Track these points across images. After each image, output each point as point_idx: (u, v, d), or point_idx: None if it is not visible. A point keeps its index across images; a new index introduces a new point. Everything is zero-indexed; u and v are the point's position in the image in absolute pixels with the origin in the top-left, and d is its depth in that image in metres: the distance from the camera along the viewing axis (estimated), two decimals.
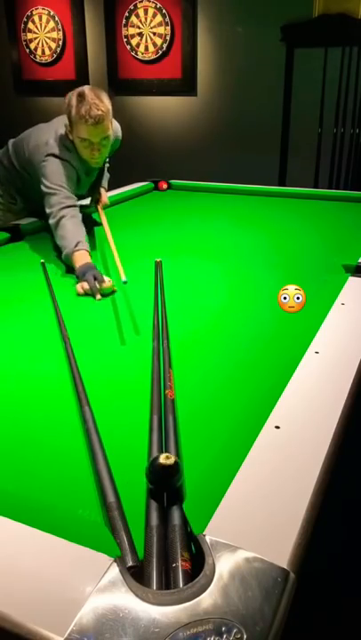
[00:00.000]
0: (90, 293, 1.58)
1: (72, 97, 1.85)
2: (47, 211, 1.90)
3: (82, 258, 1.70)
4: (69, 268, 1.79)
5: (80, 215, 1.91)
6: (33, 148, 2.04)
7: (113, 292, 1.61)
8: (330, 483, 0.80)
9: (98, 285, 1.58)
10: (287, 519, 0.70)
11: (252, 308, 1.54)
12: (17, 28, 4.73)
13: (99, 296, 1.56)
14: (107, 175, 2.42)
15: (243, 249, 2.08)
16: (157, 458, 0.76)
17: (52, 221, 1.87)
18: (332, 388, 1.02)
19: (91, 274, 1.60)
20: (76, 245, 1.74)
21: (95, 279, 1.59)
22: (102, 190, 2.32)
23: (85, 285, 1.59)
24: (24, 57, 4.80)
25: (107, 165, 2.40)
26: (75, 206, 1.91)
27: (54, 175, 1.92)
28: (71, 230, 1.81)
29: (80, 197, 2.16)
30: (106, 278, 1.60)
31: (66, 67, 4.64)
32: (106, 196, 2.33)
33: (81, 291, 1.60)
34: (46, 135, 2.02)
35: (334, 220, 2.50)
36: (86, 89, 1.86)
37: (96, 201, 2.28)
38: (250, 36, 3.92)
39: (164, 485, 0.76)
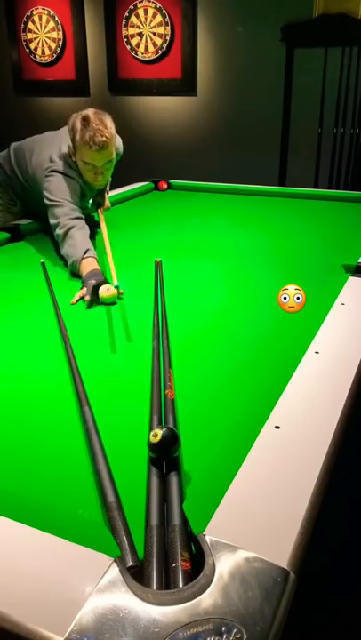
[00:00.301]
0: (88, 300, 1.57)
1: (76, 120, 1.84)
2: (53, 222, 1.87)
3: (89, 265, 1.69)
4: (74, 272, 1.77)
5: (87, 228, 1.89)
6: (36, 164, 2.03)
7: (118, 300, 1.57)
8: (330, 483, 0.80)
9: (95, 295, 1.54)
10: (287, 519, 0.70)
11: (252, 308, 1.54)
12: (17, 28, 4.73)
13: (89, 304, 1.53)
14: (109, 179, 2.41)
15: (243, 249, 2.08)
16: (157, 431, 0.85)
17: (59, 232, 1.83)
18: (332, 387, 1.02)
19: (91, 283, 1.58)
20: (84, 253, 1.72)
21: (94, 288, 1.56)
22: (104, 193, 2.32)
23: (83, 293, 1.58)
24: (24, 57, 4.80)
25: None
26: (82, 218, 1.89)
27: (59, 190, 1.90)
28: (80, 240, 1.78)
29: (85, 210, 2.13)
30: (105, 287, 1.56)
31: (66, 67, 4.64)
32: (107, 199, 2.32)
33: (74, 301, 1.57)
34: (49, 150, 2.00)
35: (334, 220, 2.50)
36: (90, 113, 1.83)
37: (97, 204, 2.27)
38: (250, 36, 3.92)
39: (164, 454, 0.84)
